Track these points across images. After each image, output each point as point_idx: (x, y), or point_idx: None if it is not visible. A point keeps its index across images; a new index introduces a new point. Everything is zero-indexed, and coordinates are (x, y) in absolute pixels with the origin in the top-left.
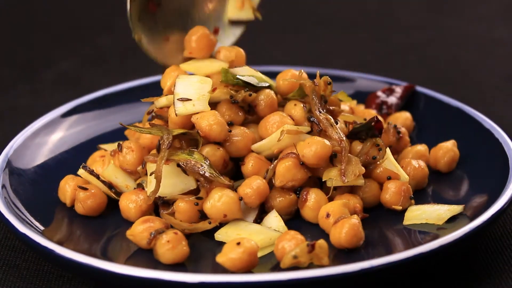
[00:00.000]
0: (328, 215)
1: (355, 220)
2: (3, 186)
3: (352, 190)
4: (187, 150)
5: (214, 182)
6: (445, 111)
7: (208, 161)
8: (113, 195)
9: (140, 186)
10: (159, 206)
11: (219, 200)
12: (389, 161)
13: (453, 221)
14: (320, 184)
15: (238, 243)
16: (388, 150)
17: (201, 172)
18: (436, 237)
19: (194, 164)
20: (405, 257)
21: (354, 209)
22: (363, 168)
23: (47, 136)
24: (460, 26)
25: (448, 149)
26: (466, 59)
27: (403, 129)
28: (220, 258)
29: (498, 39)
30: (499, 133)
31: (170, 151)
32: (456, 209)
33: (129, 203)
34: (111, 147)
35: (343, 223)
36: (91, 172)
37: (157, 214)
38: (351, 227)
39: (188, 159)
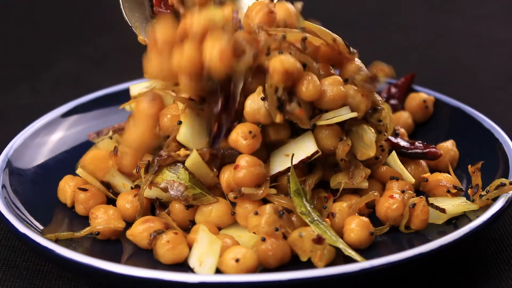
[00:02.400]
0: (333, 215)
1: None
2: (3, 186)
3: (354, 191)
4: (173, 165)
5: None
6: (445, 111)
7: (195, 178)
8: (111, 195)
9: (138, 187)
10: (155, 207)
11: (209, 215)
12: (394, 162)
13: (453, 221)
14: (322, 185)
15: (237, 260)
16: (393, 151)
17: (182, 199)
18: (436, 237)
19: (177, 187)
20: (405, 257)
21: (360, 209)
22: (368, 170)
23: (47, 136)
24: (460, 26)
25: (448, 149)
26: (466, 59)
27: (402, 130)
28: (220, 266)
29: (498, 39)
30: (499, 133)
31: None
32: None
33: (126, 203)
34: (108, 144)
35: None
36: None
37: (153, 214)
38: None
39: (171, 180)
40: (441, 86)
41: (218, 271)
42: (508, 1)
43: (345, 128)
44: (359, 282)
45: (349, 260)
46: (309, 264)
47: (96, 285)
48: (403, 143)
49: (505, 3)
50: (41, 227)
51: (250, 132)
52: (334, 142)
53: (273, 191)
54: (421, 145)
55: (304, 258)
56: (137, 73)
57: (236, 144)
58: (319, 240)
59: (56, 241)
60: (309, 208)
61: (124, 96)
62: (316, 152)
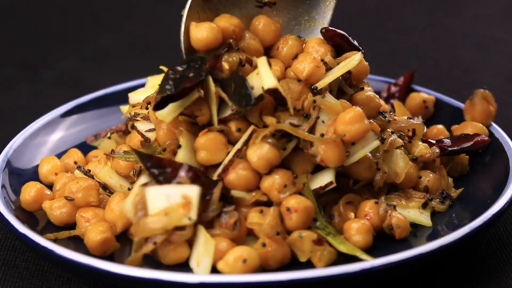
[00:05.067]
0: (332, 216)
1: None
2: (3, 186)
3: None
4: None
5: None
6: (445, 111)
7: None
8: (108, 196)
9: None
10: None
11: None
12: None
13: (453, 222)
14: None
15: (245, 261)
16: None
17: None
18: (434, 237)
19: None
20: (405, 257)
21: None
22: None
23: (47, 136)
24: (460, 26)
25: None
26: (466, 59)
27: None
28: (222, 267)
29: (498, 39)
30: (499, 133)
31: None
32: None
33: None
34: (107, 145)
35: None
36: (86, 173)
37: None
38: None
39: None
40: (441, 86)
41: (219, 271)
42: (508, 1)
43: (379, 152)
44: (359, 282)
45: (349, 260)
46: (309, 265)
47: (96, 285)
48: (447, 143)
49: (505, 3)
50: (41, 227)
51: (285, 186)
52: (371, 172)
53: (264, 197)
54: (464, 137)
55: (303, 259)
56: (137, 73)
57: (269, 192)
58: (319, 241)
59: (56, 241)
60: (324, 223)
61: (124, 96)
62: (331, 183)
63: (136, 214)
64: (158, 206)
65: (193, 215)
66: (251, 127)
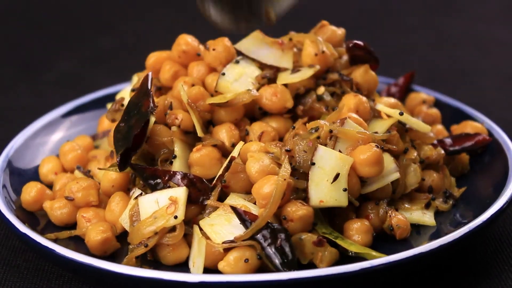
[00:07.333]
0: (333, 216)
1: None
2: (4, 186)
3: None
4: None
5: None
6: (445, 111)
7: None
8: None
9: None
10: None
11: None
12: None
13: (453, 221)
14: None
15: (246, 261)
16: None
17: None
18: (435, 237)
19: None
20: (405, 257)
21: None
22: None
23: (48, 136)
24: (460, 26)
25: None
26: (466, 59)
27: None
28: (224, 267)
29: (498, 39)
30: (499, 133)
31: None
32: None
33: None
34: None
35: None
36: (86, 173)
37: None
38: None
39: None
40: (441, 86)
41: (220, 272)
42: (508, 1)
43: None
44: (359, 282)
45: (349, 260)
46: (309, 266)
47: (96, 285)
48: (448, 142)
49: (505, 3)
50: (41, 227)
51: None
52: (385, 193)
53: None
54: (465, 136)
55: (304, 261)
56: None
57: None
58: (319, 242)
59: (56, 240)
60: (329, 228)
61: None
62: None
63: (132, 224)
64: (149, 212)
65: (179, 213)
66: (240, 143)
